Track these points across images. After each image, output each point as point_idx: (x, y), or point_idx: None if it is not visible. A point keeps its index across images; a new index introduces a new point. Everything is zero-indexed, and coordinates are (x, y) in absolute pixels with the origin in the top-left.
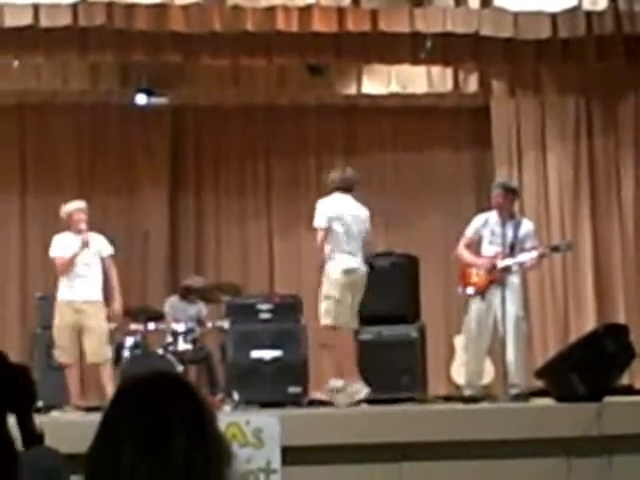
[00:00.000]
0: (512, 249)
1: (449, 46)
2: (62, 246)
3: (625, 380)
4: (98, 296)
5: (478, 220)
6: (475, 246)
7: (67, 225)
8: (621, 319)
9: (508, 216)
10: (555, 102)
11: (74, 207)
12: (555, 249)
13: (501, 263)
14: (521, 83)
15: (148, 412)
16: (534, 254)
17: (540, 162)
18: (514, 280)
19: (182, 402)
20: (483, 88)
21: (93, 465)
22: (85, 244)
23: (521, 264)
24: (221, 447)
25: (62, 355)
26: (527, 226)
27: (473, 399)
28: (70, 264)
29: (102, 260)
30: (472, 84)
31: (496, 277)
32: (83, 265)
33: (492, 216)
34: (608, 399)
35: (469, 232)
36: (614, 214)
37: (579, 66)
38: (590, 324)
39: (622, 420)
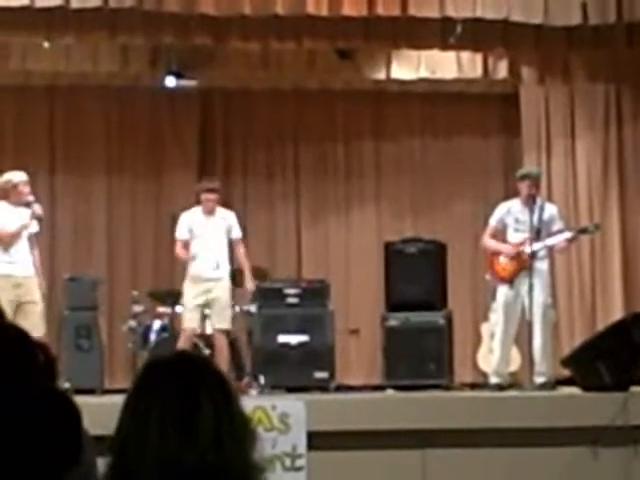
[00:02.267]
0: (538, 234)
1: (479, 32)
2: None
3: None
4: (33, 271)
5: (501, 209)
6: (501, 235)
7: (6, 195)
8: None
9: (532, 202)
10: (585, 89)
11: (20, 178)
12: (583, 231)
13: (528, 249)
14: (551, 70)
15: (176, 389)
16: (561, 238)
17: (569, 150)
18: (542, 267)
19: (208, 380)
20: (512, 75)
21: (121, 442)
22: (38, 217)
23: (549, 248)
24: (247, 426)
25: None
26: (551, 209)
27: (500, 387)
28: (15, 237)
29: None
30: (501, 70)
31: (524, 264)
32: (23, 239)
33: (515, 204)
34: (634, 389)
35: (493, 221)
36: None
37: (609, 53)
38: (617, 313)
39: None
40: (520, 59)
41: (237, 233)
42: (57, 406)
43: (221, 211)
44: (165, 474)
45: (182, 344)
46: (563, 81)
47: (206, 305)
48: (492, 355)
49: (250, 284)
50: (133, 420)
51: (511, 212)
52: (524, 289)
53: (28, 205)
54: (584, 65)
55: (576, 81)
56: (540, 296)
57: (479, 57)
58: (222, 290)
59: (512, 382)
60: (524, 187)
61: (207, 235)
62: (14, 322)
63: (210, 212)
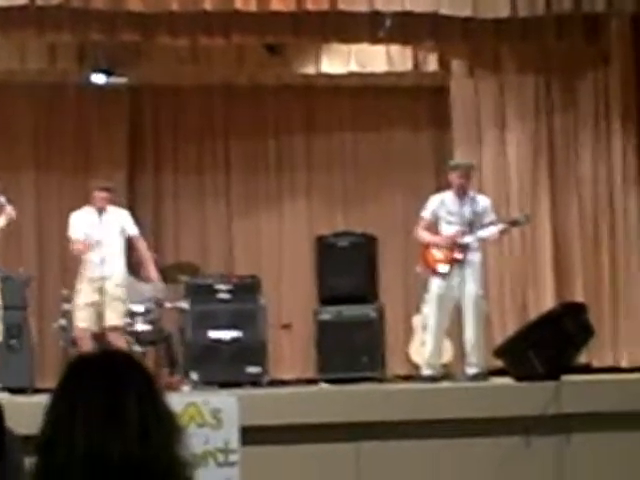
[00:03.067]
0: (471, 226)
1: (408, 25)
2: None
3: (583, 359)
4: None
5: (433, 201)
6: (433, 227)
7: None
8: (579, 298)
9: (463, 194)
10: (514, 81)
11: None
12: (514, 223)
13: (461, 240)
14: (480, 62)
15: (101, 385)
16: (494, 230)
17: (499, 141)
18: (474, 258)
19: (133, 376)
20: (442, 67)
21: (47, 439)
22: (11, 219)
23: (482, 240)
24: (173, 421)
25: None
26: (484, 202)
27: (433, 378)
28: None
29: None
30: (431, 63)
31: (457, 255)
32: None
33: (447, 196)
34: (566, 378)
35: (426, 214)
36: (572, 192)
37: (538, 45)
38: (548, 303)
39: (580, 399)
40: (450, 52)
41: (133, 230)
42: None
43: (113, 210)
44: (92, 469)
45: (83, 346)
46: (493, 73)
47: (99, 303)
48: (424, 347)
49: (154, 274)
50: (59, 417)
51: (444, 204)
52: (456, 281)
53: (1, 206)
54: (514, 57)
55: (506, 73)
56: (472, 287)
57: (409, 50)
58: (112, 287)
59: (445, 374)
60: (455, 178)
61: (96, 234)
62: None
63: (101, 211)
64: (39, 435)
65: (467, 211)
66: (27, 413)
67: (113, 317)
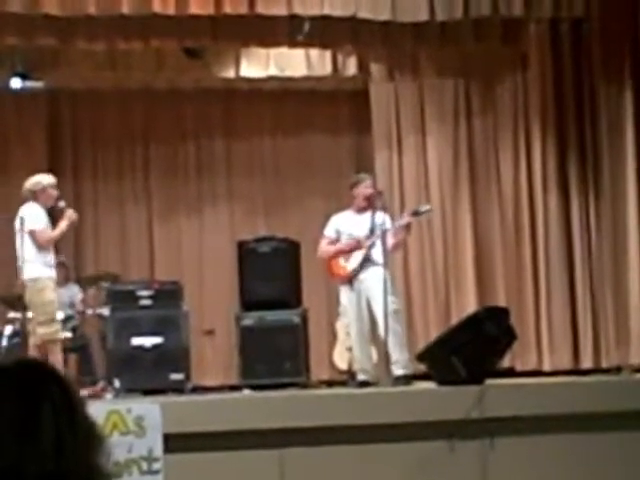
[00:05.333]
0: (372, 232)
1: (327, 29)
2: None
3: (506, 363)
4: None
5: (335, 219)
6: (335, 244)
7: (34, 198)
8: (501, 302)
9: (366, 208)
10: (434, 85)
11: (49, 181)
12: (415, 213)
13: (364, 242)
14: (400, 66)
15: (16, 398)
16: (397, 224)
17: (420, 145)
18: (377, 259)
19: (50, 387)
20: (362, 71)
21: None
22: (73, 222)
23: (385, 234)
24: (92, 433)
25: None
26: (383, 217)
27: (367, 383)
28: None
29: None
30: (351, 67)
31: (362, 255)
32: None
33: (347, 213)
34: (489, 382)
35: (328, 231)
36: (493, 196)
37: (457, 49)
38: (471, 307)
39: (503, 402)
40: (369, 56)
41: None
42: None
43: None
44: None
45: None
46: (412, 77)
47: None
48: (351, 353)
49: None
50: None
51: (345, 220)
52: (363, 285)
53: (61, 210)
54: (432, 61)
55: (425, 76)
56: (378, 288)
57: (328, 54)
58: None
59: (378, 376)
60: (361, 191)
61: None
62: None
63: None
64: None
65: (367, 223)
66: None
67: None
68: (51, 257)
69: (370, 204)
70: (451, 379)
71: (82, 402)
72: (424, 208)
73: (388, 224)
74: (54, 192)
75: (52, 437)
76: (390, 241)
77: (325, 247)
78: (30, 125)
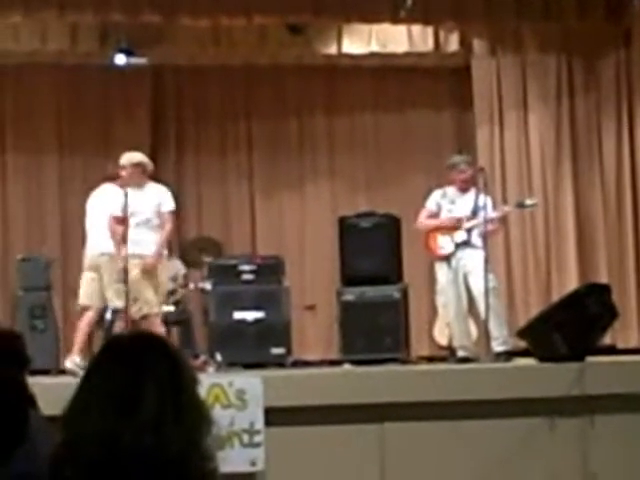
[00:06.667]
0: (474, 214)
1: (429, 5)
2: None
3: (607, 340)
4: None
5: (436, 193)
6: (435, 218)
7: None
8: (603, 279)
9: (466, 189)
10: (536, 61)
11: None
12: (519, 205)
13: (465, 223)
14: (502, 42)
15: (122, 370)
16: (498, 212)
17: (521, 121)
18: (476, 241)
19: (158, 362)
20: (464, 47)
21: (67, 419)
22: None
23: (486, 221)
24: (197, 412)
25: None
26: (485, 199)
27: (467, 359)
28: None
29: None
30: (453, 43)
31: (460, 237)
32: None
33: (450, 189)
34: (590, 359)
35: (430, 204)
36: (596, 173)
37: (560, 24)
38: (572, 284)
39: (604, 380)
40: (471, 32)
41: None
42: None
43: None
44: (103, 452)
45: (83, 325)
46: (514, 53)
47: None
48: (450, 330)
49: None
50: (80, 397)
51: (446, 195)
52: (461, 262)
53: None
54: (535, 36)
55: (527, 53)
56: (475, 265)
57: (430, 30)
58: (109, 266)
59: (477, 353)
60: (455, 174)
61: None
62: None
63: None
64: (63, 413)
65: (469, 203)
66: (52, 394)
67: (113, 298)
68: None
69: (470, 184)
70: (552, 356)
71: (193, 381)
72: (530, 202)
73: (490, 208)
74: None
75: (152, 414)
76: (488, 227)
77: (425, 219)
78: (134, 101)
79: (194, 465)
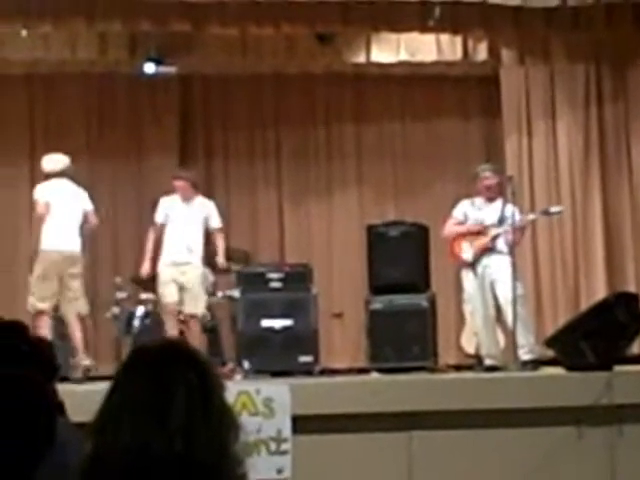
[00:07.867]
0: (500, 223)
1: (458, 14)
2: None
3: (635, 349)
4: None
5: (464, 202)
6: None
7: None
8: (631, 286)
9: (493, 198)
10: (564, 70)
11: None
12: (545, 212)
13: (491, 231)
14: (530, 51)
15: (151, 377)
16: (523, 219)
17: (550, 130)
18: (502, 247)
19: (187, 369)
20: (492, 56)
21: (98, 427)
22: None
23: (512, 229)
24: (226, 418)
25: None
26: (512, 208)
27: (494, 368)
28: None
29: None
30: (481, 52)
31: (484, 245)
32: None
33: (477, 199)
34: (618, 368)
35: (457, 213)
36: (624, 182)
37: (588, 33)
38: (600, 293)
39: (632, 389)
40: (500, 41)
41: (216, 222)
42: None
43: (200, 199)
44: (134, 461)
45: (169, 322)
46: (543, 62)
47: (181, 288)
48: (477, 338)
49: (221, 259)
50: (110, 406)
51: (474, 205)
52: (487, 271)
53: None
54: (564, 46)
55: (556, 62)
56: (502, 273)
57: (459, 39)
58: (194, 275)
59: (505, 362)
60: (481, 181)
61: (180, 221)
62: None
63: (185, 199)
64: (93, 421)
65: (496, 211)
66: (81, 401)
67: (193, 306)
68: None
69: (497, 193)
70: (580, 365)
71: (220, 388)
72: (555, 209)
73: (517, 216)
74: None
75: (182, 421)
76: (514, 235)
77: (451, 227)
78: (163, 109)
79: (225, 470)
